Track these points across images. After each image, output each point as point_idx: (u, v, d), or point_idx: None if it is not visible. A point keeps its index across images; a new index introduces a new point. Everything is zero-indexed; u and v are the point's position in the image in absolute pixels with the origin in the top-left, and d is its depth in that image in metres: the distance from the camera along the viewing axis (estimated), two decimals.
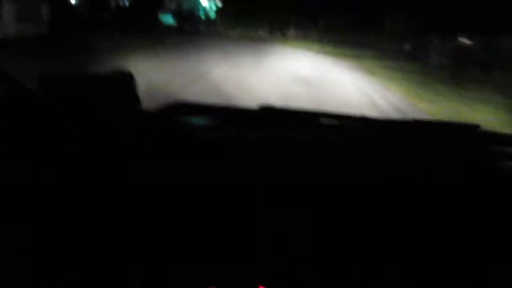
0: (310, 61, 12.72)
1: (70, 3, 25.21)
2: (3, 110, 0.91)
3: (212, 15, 28.76)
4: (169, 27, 24.53)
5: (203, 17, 29.70)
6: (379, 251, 0.75)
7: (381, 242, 0.76)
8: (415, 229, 0.78)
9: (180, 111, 1.09)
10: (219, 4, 28.03)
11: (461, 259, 0.75)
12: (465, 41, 14.20)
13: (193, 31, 25.57)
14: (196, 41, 16.55)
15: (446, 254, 0.74)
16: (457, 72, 11.56)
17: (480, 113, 6.99)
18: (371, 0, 23.81)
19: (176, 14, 31.12)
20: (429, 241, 0.76)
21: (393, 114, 6.49)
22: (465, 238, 0.77)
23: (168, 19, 30.33)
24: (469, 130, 1.10)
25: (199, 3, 32.02)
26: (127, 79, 1.04)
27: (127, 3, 29.19)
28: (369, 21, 23.84)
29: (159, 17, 30.10)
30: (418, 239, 0.76)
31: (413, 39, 19.93)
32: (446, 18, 17.09)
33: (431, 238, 0.76)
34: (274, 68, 9.72)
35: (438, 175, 0.87)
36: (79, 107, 0.96)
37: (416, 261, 0.74)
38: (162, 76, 7.51)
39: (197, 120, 1.08)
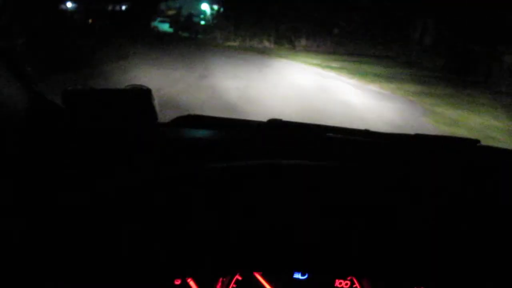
0: (335, 93, 8.61)
1: (62, 9, 22.65)
2: (30, 122, 0.93)
3: (212, 21, 25.04)
4: (162, 37, 20.84)
5: (203, 22, 26.07)
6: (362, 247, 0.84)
7: (370, 242, 0.84)
8: (414, 240, 0.85)
9: (192, 123, 1.14)
10: (218, 8, 24.17)
11: (460, 266, 0.84)
12: None
13: (191, 37, 22.15)
14: (186, 55, 12.72)
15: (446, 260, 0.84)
16: None
17: None
18: (393, 7, 19.57)
19: (173, 20, 27.66)
20: (426, 252, 0.84)
21: None
22: (462, 250, 0.85)
23: (164, 26, 26.93)
24: (470, 145, 1.11)
25: (199, 9, 28.54)
26: (146, 95, 1.05)
27: (123, 8, 26.15)
28: (390, 30, 19.68)
29: (155, 24, 26.85)
30: (416, 248, 0.84)
31: (447, 52, 15.89)
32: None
33: (428, 250, 0.84)
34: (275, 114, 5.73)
35: (438, 187, 0.91)
36: (99, 120, 1.02)
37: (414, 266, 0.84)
38: None
39: (207, 133, 1.10)
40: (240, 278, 0.89)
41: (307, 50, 19.70)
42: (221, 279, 0.87)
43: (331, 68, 12.68)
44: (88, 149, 0.93)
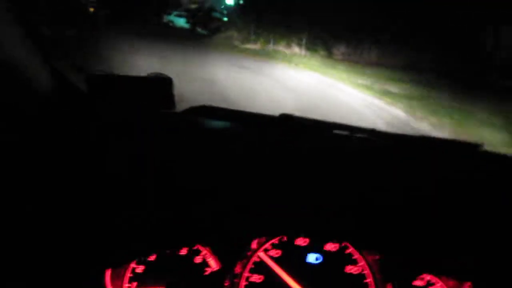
0: None
1: None
2: (53, 105, 0.92)
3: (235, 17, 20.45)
4: (170, 34, 16.52)
5: (225, 19, 21.53)
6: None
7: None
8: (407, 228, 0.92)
9: (205, 114, 1.15)
10: (237, 0, 19.43)
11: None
12: None
13: (210, 35, 17.96)
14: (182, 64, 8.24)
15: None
16: None
17: None
18: (454, 12, 14.08)
19: (190, 15, 23.28)
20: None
21: None
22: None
23: (180, 21, 22.61)
24: (472, 148, 1.10)
25: (225, 3, 24.02)
26: (166, 84, 1.07)
27: None
28: (452, 37, 14.35)
29: (170, 18, 22.67)
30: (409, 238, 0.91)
31: None
32: None
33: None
34: None
35: (437, 188, 0.94)
36: (120, 106, 1.04)
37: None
38: None
39: (221, 124, 1.11)
40: (258, 260, 0.95)
41: (348, 59, 14.80)
42: (239, 262, 0.94)
43: (393, 97, 7.76)
44: (105, 134, 0.95)
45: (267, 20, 15.14)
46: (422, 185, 0.94)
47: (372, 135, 1.11)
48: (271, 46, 14.78)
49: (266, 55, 12.96)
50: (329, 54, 14.82)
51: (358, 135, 1.10)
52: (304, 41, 14.41)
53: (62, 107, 0.92)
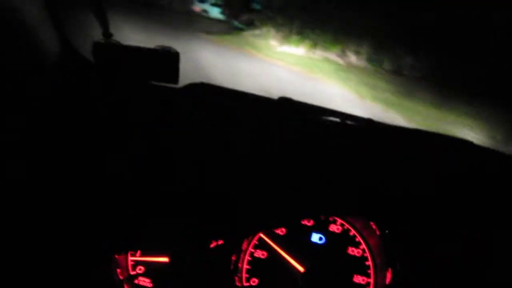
0: None
1: None
2: (58, 73, 0.90)
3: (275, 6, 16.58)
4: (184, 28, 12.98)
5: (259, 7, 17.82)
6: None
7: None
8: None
9: (204, 91, 1.15)
10: None
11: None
12: None
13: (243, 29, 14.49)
14: None
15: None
16: None
17: None
18: None
19: (226, 4, 19.64)
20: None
21: None
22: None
23: (214, 11, 19.08)
24: (463, 145, 1.11)
25: None
26: (173, 57, 1.06)
27: None
28: None
29: (203, 7, 19.08)
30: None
31: None
32: None
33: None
34: None
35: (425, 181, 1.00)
36: (125, 77, 1.04)
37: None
38: None
39: (219, 102, 1.10)
40: (262, 236, 1.01)
41: (419, 77, 10.73)
42: (245, 238, 1.00)
43: None
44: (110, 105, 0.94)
45: (316, 17, 11.12)
46: (419, 170, 0.97)
47: (365, 124, 1.10)
48: (318, 51, 10.78)
49: (309, 67, 9.03)
50: (396, 70, 10.67)
51: (357, 123, 1.09)
52: (364, 50, 10.29)
53: (68, 75, 0.89)
